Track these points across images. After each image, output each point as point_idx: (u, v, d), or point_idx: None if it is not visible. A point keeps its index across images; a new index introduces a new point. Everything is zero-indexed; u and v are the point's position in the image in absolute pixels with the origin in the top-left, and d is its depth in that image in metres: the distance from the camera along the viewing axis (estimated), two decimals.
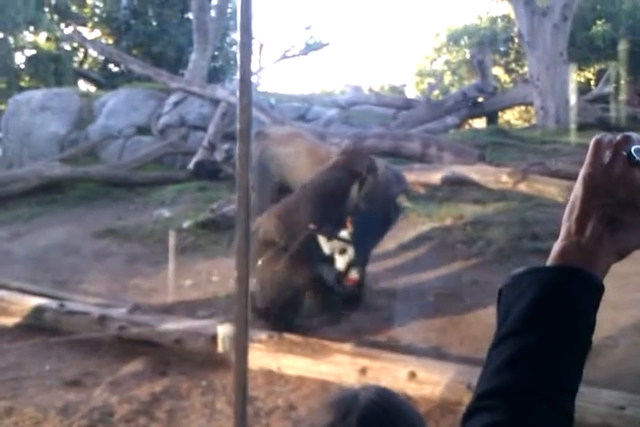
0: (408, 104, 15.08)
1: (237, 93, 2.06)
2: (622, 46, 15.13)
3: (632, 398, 3.38)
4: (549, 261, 0.80)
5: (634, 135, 0.80)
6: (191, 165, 9.92)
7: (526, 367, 0.74)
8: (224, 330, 4.16)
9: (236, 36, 22.31)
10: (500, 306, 0.80)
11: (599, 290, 0.77)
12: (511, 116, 19.48)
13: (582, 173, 0.80)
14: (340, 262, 4.62)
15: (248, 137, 2.05)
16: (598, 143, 0.80)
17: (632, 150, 0.78)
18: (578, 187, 0.80)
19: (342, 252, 4.61)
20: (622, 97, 14.11)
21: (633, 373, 3.94)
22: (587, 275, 0.77)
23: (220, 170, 9.51)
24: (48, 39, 18.91)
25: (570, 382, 0.75)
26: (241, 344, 2.28)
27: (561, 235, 0.81)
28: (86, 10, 20.50)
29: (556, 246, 0.80)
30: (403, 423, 1.03)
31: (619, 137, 0.79)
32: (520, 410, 0.72)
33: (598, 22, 17.92)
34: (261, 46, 25.17)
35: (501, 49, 19.65)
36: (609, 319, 4.73)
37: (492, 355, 0.77)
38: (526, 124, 16.76)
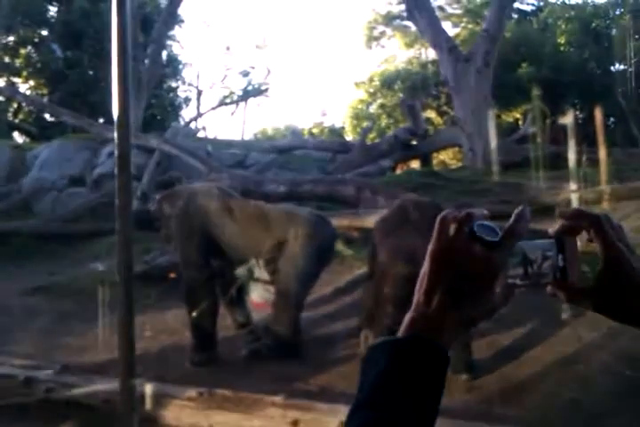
0: (345, 147, 15.35)
1: (116, 170, 2.08)
2: (545, 87, 15.85)
3: None
4: (400, 333, 0.83)
5: (476, 211, 0.84)
6: None
7: None
8: (151, 388, 4.09)
9: (173, 83, 22.14)
10: (360, 378, 0.82)
11: (445, 359, 0.81)
12: (445, 157, 20.03)
13: (429, 247, 0.84)
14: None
15: (128, 216, 2.07)
16: (444, 219, 0.84)
17: (474, 226, 0.83)
18: (426, 261, 0.84)
19: None
20: (547, 136, 14.72)
21: (557, 410, 4.03)
22: (433, 345, 0.81)
23: (154, 220, 9.41)
24: None
25: None
26: (127, 401, 2.30)
27: (412, 306, 0.84)
28: (20, 60, 20.31)
29: (407, 318, 0.84)
30: None
31: (462, 214, 0.84)
32: None
33: (523, 64, 18.82)
34: (200, 93, 25.31)
35: (433, 92, 20.33)
36: (535, 356, 4.85)
37: (347, 426, 0.79)
38: (460, 164, 17.24)
